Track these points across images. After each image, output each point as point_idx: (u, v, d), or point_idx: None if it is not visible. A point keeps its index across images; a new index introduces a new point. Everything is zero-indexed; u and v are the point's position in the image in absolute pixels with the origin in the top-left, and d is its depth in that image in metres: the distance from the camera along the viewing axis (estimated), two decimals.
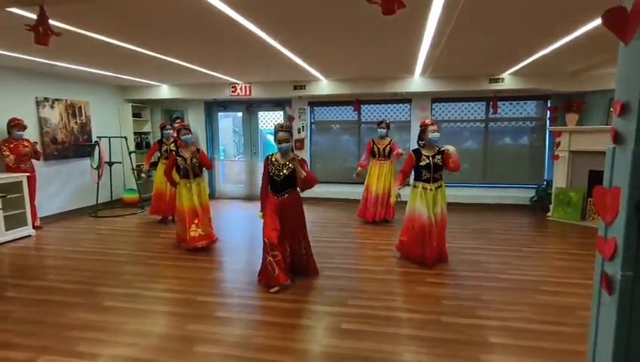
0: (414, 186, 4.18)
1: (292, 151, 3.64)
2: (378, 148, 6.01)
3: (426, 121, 4.16)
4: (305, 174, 3.50)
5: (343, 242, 5.11)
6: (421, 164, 4.09)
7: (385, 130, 6.00)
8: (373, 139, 6.13)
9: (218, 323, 2.95)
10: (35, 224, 5.66)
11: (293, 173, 3.55)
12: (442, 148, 4.09)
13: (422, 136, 4.16)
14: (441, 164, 4.06)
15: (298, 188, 3.68)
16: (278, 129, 3.56)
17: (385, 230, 5.64)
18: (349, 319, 2.99)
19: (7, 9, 2.92)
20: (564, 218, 6.29)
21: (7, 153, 5.39)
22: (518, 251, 4.68)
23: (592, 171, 6.14)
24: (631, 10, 1.09)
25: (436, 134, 4.07)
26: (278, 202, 3.62)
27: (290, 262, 3.70)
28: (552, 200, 6.52)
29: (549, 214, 6.54)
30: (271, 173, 3.62)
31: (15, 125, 5.49)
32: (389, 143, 6.02)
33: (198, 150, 4.85)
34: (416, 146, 4.25)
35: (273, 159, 3.65)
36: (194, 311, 3.14)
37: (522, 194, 7.22)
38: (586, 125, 6.29)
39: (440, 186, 4.11)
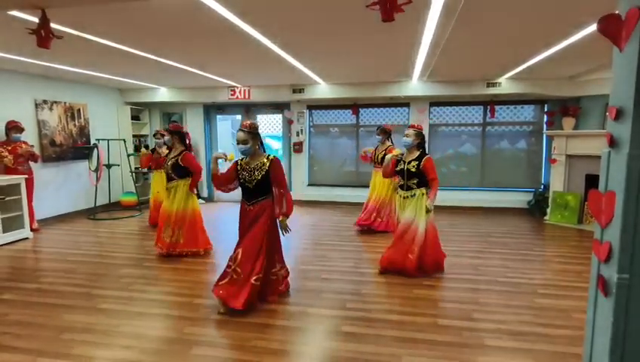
0: (397, 192, 4.10)
1: (262, 149, 3.26)
2: (375, 154, 5.68)
3: (413, 124, 4.04)
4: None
5: (342, 245, 5.11)
6: (397, 168, 3.95)
7: (381, 137, 5.64)
8: (376, 148, 5.80)
9: (216, 326, 2.95)
10: (33, 226, 5.65)
11: (267, 176, 3.14)
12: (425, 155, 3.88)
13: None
14: (414, 171, 3.80)
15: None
16: (238, 128, 3.18)
17: (384, 234, 5.64)
18: (348, 322, 3.00)
19: (9, 12, 2.93)
20: (561, 221, 6.32)
21: (6, 154, 5.38)
22: (516, 254, 4.69)
23: (589, 175, 6.17)
24: (625, 17, 1.11)
25: (404, 139, 3.91)
26: (248, 211, 3.22)
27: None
28: (550, 204, 6.55)
29: (546, 218, 6.57)
30: (242, 180, 3.21)
31: (13, 128, 5.48)
32: (386, 149, 5.52)
33: (182, 152, 4.48)
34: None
35: (243, 163, 3.24)
36: (191, 314, 3.14)
37: (520, 198, 7.25)
38: (582, 129, 6.34)
39: (414, 195, 3.83)
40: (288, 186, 3.41)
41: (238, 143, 3.15)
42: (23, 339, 2.75)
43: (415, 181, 3.85)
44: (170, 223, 4.49)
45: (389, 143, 5.69)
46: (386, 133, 5.67)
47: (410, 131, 3.91)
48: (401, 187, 3.96)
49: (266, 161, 3.16)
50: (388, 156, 4.06)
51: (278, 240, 3.35)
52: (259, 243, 3.14)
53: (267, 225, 3.18)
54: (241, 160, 3.27)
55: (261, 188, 3.16)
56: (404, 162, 3.90)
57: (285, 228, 3.22)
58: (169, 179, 4.55)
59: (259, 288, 3.15)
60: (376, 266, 4.20)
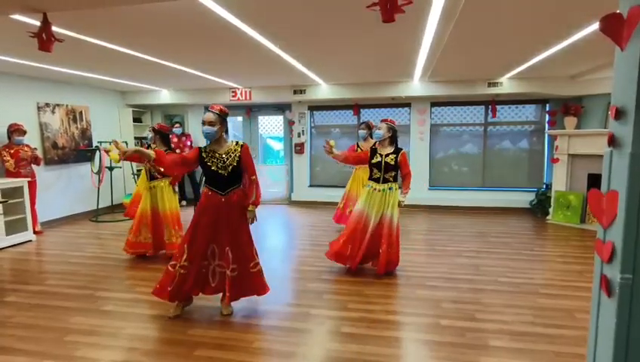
0: (366, 185, 4.07)
1: (226, 136, 3.10)
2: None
3: (386, 119, 4.07)
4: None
5: None
6: (372, 161, 3.96)
7: (365, 132, 5.42)
8: (357, 143, 5.63)
9: (219, 328, 2.95)
10: (36, 229, 5.67)
11: (240, 162, 3.02)
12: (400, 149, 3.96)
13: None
14: (393, 164, 3.89)
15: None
16: (207, 110, 3.01)
17: None
18: (349, 323, 2.99)
19: (11, 16, 2.95)
20: (563, 221, 6.30)
21: (8, 158, 5.40)
22: (518, 254, 4.68)
23: (591, 174, 6.16)
24: (627, 16, 1.11)
25: (376, 131, 4.00)
26: (223, 201, 3.02)
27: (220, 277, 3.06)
28: (552, 204, 6.53)
29: (548, 217, 6.56)
30: (214, 168, 2.99)
31: (15, 130, 5.50)
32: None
33: (166, 150, 4.39)
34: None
35: (209, 150, 3.03)
36: (194, 316, 3.14)
37: (522, 198, 7.24)
38: (584, 129, 6.32)
39: (391, 188, 3.92)
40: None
41: (204, 124, 2.95)
42: (26, 342, 2.76)
43: (392, 174, 3.93)
44: (171, 224, 4.50)
45: (372, 140, 5.46)
46: (370, 129, 5.49)
47: (383, 125, 3.95)
48: (376, 180, 3.95)
49: (236, 146, 3.05)
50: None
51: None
52: (250, 239, 3.15)
53: (245, 221, 3.12)
54: (205, 147, 3.07)
55: (236, 176, 3.04)
56: (381, 155, 3.93)
57: (253, 218, 3.12)
58: (152, 178, 4.54)
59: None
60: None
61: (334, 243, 4.07)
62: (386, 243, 3.87)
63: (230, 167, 3.00)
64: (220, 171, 3.00)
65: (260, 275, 3.18)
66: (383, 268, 3.89)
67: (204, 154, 3.03)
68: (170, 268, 3.03)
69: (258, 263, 3.17)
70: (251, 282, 3.12)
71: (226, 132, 3.09)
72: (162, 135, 4.52)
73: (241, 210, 3.08)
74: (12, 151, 5.46)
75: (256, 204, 3.09)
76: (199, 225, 3.03)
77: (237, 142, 3.09)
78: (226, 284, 3.04)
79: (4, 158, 5.39)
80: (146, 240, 4.52)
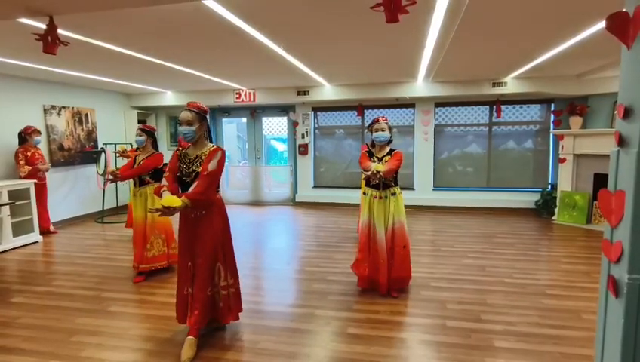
0: (364, 193, 3.57)
1: (207, 139, 2.70)
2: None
3: (378, 118, 3.54)
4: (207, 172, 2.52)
5: (348, 247, 5.10)
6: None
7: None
8: (367, 143, 5.43)
9: (223, 329, 2.95)
10: (50, 229, 5.90)
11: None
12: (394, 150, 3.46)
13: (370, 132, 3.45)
14: None
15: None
16: (184, 108, 2.62)
17: None
18: (354, 324, 2.99)
19: (17, 19, 2.97)
20: (569, 221, 6.26)
21: (23, 163, 5.46)
22: (524, 255, 4.65)
23: (597, 174, 6.11)
24: (633, 14, 1.10)
25: (380, 133, 3.43)
26: (189, 213, 2.61)
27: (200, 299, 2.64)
28: (558, 204, 6.49)
29: (554, 218, 6.51)
30: (179, 174, 2.64)
31: (33, 132, 5.59)
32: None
33: (152, 153, 4.06)
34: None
35: (182, 153, 2.68)
36: None
37: (527, 198, 7.19)
38: (590, 128, 6.28)
39: (394, 193, 3.43)
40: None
41: (181, 125, 2.59)
42: (33, 342, 2.78)
43: (392, 177, 3.43)
44: (163, 232, 4.13)
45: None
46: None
47: (384, 124, 3.45)
48: (376, 187, 3.44)
49: (211, 149, 2.63)
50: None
51: (230, 247, 2.79)
52: (214, 253, 2.65)
53: (220, 228, 2.67)
54: (182, 149, 2.71)
55: None
56: (378, 158, 3.47)
57: (165, 211, 2.36)
58: (141, 183, 4.06)
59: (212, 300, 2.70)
60: None
61: (357, 267, 3.64)
62: (396, 257, 3.42)
63: (194, 173, 2.58)
64: (184, 178, 2.63)
65: (208, 301, 2.66)
66: (392, 284, 3.47)
67: (179, 158, 2.68)
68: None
69: (215, 285, 2.70)
70: (211, 305, 2.69)
71: (208, 133, 2.71)
72: (152, 136, 4.19)
73: (208, 223, 2.62)
74: (29, 154, 5.53)
75: (189, 197, 2.44)
76: (180, 242, 2.74)
77: (214, 146, 2.66)
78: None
79: (20, 163, 5.45)
80: (159, 252, 4.10)
